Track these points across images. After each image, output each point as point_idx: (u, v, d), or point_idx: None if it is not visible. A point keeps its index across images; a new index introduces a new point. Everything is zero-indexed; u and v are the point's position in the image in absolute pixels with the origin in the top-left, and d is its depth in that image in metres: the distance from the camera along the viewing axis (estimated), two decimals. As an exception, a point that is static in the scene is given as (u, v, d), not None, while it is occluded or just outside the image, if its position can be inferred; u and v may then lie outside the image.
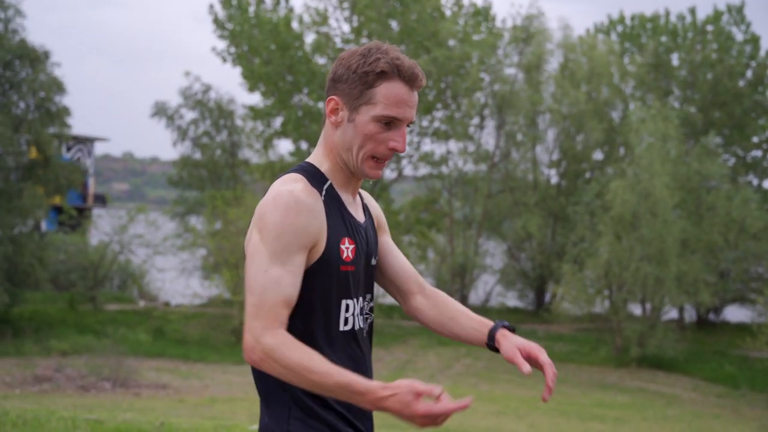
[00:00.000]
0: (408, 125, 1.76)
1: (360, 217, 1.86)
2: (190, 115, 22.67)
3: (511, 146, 22.27)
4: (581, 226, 17.95)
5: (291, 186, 1.69)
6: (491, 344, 1.87)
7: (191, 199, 23.40)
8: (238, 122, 22.93)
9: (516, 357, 1.76)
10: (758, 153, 24.28)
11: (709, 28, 24.73)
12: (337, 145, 1.77)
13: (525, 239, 21.77)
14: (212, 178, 22.61)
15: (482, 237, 23.96)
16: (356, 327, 1.79)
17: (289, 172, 1.77)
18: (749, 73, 24.19)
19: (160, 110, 22.16)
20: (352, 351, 1.78)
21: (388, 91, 1.71)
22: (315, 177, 1.76)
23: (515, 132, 22.81)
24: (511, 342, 1.81)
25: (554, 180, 24.15)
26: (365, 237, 1.83)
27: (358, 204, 1.88)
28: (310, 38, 22.30)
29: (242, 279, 16.65)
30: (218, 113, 22.30)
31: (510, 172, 22.39)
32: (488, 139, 22.99)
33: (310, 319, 1.72)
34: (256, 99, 30.17)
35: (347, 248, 1.75)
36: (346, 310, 1.76)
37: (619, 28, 27.09)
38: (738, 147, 23.61)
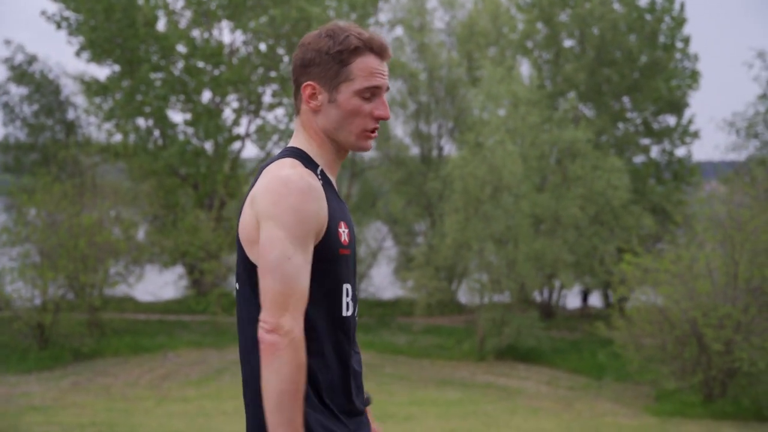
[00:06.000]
0: (385, 92, 2.00)
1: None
2: (20, 90, 22.44)
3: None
4: (438, 205, 18.03)
5: (297, 170, 1.88)
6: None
7: (28, 187, 23.18)
8: (77, 98, 22.71)
9: None
10: (671, 118, 24.51)
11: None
12: (324, 128, 1.99)
13: (393, 222, 21.86)
14: (45, 162, 22.41)
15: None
16: (353, 312, 1.99)
17: (280, 157, 1.96)
18: (662, 31, 24.36)
19: (-22, 85, 21.89)
20: (351, 336, 1.98)
21: (363, 65, 1.95)
22: (308, 161, 1.96)
23: (393, 100, 22.84)
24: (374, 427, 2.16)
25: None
26: (352, 221, 2.05)
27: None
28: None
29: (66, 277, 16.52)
30: (48, 88, 22.06)
31: (386, 147, 22.42)
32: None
33: (315, 304, 1.89)
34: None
35: (344, 232, 1.95)
36: (347, 295, 1.96)
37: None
38: (645, 112, 23.78)
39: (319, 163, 1.99)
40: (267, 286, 1.80)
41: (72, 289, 17.10)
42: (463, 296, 22.42)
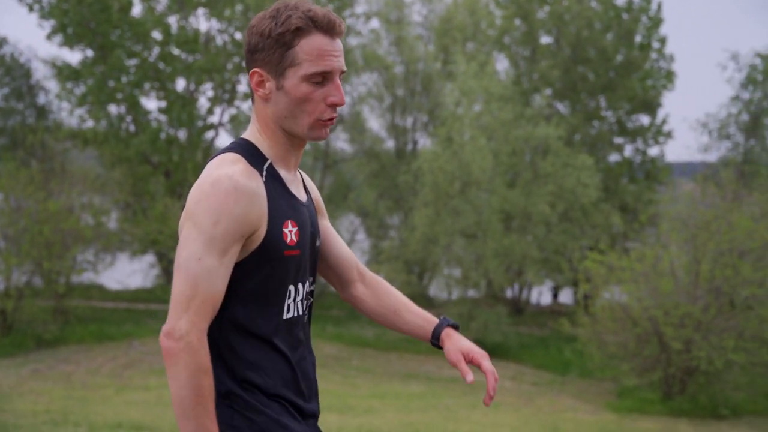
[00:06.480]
0: (340, 75, 1.84)
1: (302, 195, 1.94)
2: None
3: (359, 109, 22.29)
4: (410, 199, 18.08)
5: (230, 169, 1.76)
6: (435, 343, 2.06)
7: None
8: (48, 83, 22.54)
9: (460, 364, 1.96)
10: (645, 118, 24.70)
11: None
12: (274, 118, 1.85)
13: (365, 215, 21.90)
14: (14, 146, 22.22)
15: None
16: (298, 313, 1.91)
17: (225, 151, 1.83)
18: (639, 31, 24.49)
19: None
20: (293, 338, 1.90)
21: (309, 46, 1.79)
22: (254, 156, 1.84)
23: (369, 93, 22.86)
24: (455, 345, 2.00)
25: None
26: (308, 217, 1.92)
27: (299, 181, 1.97)
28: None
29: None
30: (19, 71, 21.86)
31: (361, 139, 22.42)
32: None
33: (252, 307, 1.81)
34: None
35: (290, 231, 1.84)
36: (289, 297, 1.87)
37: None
38: (620, 111, 23.94)
39: (268, 156, 1.86)
40: (174, 285, 1.72)
41: (39, 276, 16.98)
42: (435, 291, 22.55)
